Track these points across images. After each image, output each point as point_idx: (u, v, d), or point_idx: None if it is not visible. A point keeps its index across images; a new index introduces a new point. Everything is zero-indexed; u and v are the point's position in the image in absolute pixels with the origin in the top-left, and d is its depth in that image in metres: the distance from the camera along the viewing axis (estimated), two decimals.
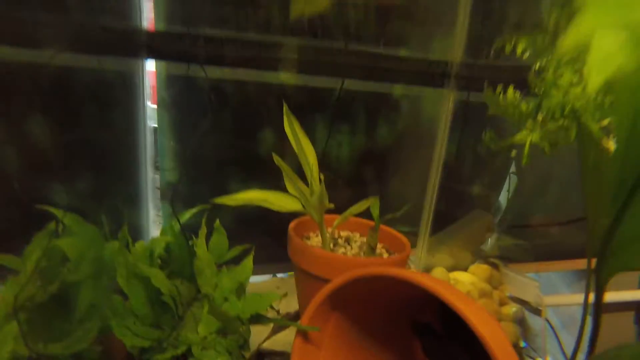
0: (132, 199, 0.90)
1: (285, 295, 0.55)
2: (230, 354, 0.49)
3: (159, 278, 0.51)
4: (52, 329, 0.51)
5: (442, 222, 1.20)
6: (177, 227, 0.61)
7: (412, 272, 0.44)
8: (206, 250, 0.62)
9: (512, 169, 1.30)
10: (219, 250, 0.68)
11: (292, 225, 0.70)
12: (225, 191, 1.01)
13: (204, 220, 0.66)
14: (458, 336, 0.54)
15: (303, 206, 0.62)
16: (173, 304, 0.53)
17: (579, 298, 1.23)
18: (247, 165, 1.00)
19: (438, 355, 0.59)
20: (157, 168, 0.97)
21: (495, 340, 0.39)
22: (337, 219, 0.68)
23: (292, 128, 0.63)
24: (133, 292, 0.52)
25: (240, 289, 0.55)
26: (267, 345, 0.67)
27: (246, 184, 1.01)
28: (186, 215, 0.65)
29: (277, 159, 0.64)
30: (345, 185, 1.15)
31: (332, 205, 0.58)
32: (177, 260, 0.58)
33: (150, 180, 0.95)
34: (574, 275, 1.40)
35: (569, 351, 0.78)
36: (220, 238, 0.69)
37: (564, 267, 1.34)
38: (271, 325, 0.72)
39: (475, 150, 1.24)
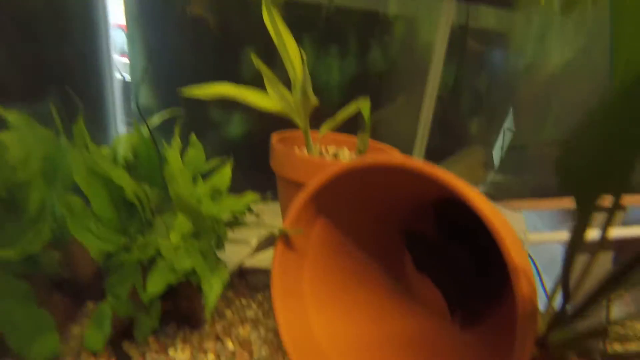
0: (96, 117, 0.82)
1: (267, 196, 0.50)
2: (205, 257, 0.45)
3: (121, 176, 0.45)
4: (1, 233, 0.45)
5: (436, 157, 1.16)
6: (145, 131, 0.55)
7: (410, 159, 0.39)
8: (179, 157, 0.56)
9: (507, 124, 1.24)
10: (196, 163, 0.62)
11: (275, 137, 0.64)
12: (206, 117, 0.94)
13: (177, 128, 0.59)
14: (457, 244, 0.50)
15: (288, 115, 0.55)
16: (140, 207, 0.47)
17: (563, 235, 1.22)
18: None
19: (430, 266, 0.56)
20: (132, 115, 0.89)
21: (506, 231, 0.35)
22: (325, 131, 0.61)
23: (272, 20, 0.55)
24: (93, 193, 0.46)
25: (215, 194, 0.50)
26: (249, 263, 0.63)
27: (227, 110, 0.94)
28: (156, 119, 0.58)
29: (255, 59, 0.57)
30: (334, 114, 1.09)
31: (317, 102, 0.51)
32: (145, 164, 0.52)
33: (119, 103, 0.86)
34: (557, 216, 1.38)
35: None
36: (196, 152, 0.63)
37: (552, 205, 1.33)
38: (253, 244, 0.68)
39: (474, 84, 1.17)
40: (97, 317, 0.47)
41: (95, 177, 0.46)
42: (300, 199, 0.46)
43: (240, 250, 0.67)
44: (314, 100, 0.50)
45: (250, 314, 0.59)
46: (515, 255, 0.33)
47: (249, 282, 0.65)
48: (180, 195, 0.43)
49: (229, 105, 0.95)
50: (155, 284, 0.39)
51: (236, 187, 0.88)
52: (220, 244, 0.46)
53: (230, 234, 0.71)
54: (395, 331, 0.55)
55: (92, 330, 0.47)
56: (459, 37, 1.06)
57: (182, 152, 0.61)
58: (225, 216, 0.46)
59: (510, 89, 1.21)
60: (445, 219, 0.52)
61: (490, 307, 0.53)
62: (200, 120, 0.94)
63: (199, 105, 0.92)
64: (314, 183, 0.45)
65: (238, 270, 0.63)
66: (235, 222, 0.48)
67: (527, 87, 1.19)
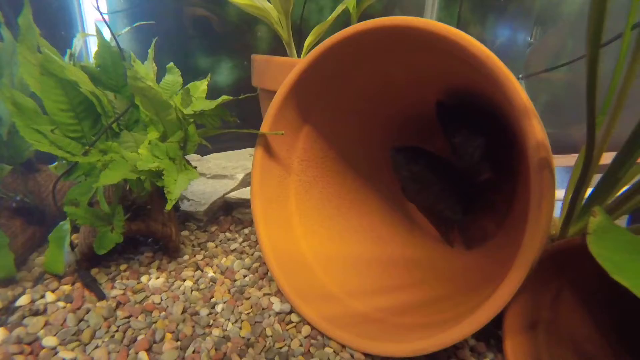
0: None
1: (242, 97, 0.44)
2: (173, 160, 0.39)
3: (75, 72, 0.40)
4: None
5: None
6: (113, 44, 0.49)
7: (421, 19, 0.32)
8: (149, 72, 0.51)
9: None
10: (172, 88, 0.56)
11: (255, 56, 0.58)
12: (194, 65, 0.89)
13: (151, 50, 0.54)
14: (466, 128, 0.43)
15: (267, 19, 0.50)
16: (101, 110, 0.42)
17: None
18: (213, 36, 0.86)
19: (418, 192, 0.49)
20: None
21: (518, 86, 0.29)
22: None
23: None
24: (47, 94, 0.40)
25: (187, 100, 0.44)
26: (234, 195, 0.58)
27: (215, 58, 0.88)
28: (123, 30, 0.53)
29: None
30: None
31: None
32: (110, 72, 0.47)
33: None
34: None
35: None
36: (173, 77, 0.58)
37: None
38: (239, 179, 0.63)
39: (481, 29, 1.09)
40: (56, 236, 0.43)
41: (50, 78, 0.41)
42: (280, 92, 0.41)
43: (226, 183, 0.62)
44: None
45: (235, 246, 0.53)
46: (525, 99, 0.27)
47: (235, 218, 0.59)
48: (136, 78, 0.37)
49: (216, 52, 0.89)
50: (109, 176, 0.34)
51: (225, 139, 0.82)
52: (188, 147, 0.41)
53: (218, 170, 0.66)
54: (394, 256, 0.50)
55: (51, 250, 0.43)
56: None
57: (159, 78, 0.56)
58: (192, 111, 0.40)
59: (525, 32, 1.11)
60: (451, 118, 0.46)
61: (496, 226, 0.47)
62: (187, 68, 0.89)
63: (186, 53, 0.87)
64: (295, 71, 0.40)
65: (222, 202, 0.58)
66: (206, 119, 0.42)
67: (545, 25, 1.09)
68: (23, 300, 0.39)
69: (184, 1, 0.83)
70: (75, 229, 0.51)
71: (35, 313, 0.37)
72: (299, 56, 0.57)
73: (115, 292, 0.42)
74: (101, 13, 0.44)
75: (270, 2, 0.52)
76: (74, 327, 0.36)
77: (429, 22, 0.31)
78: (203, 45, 0.87)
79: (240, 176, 0.62)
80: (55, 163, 0.44)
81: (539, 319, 0.36)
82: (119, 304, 0.40)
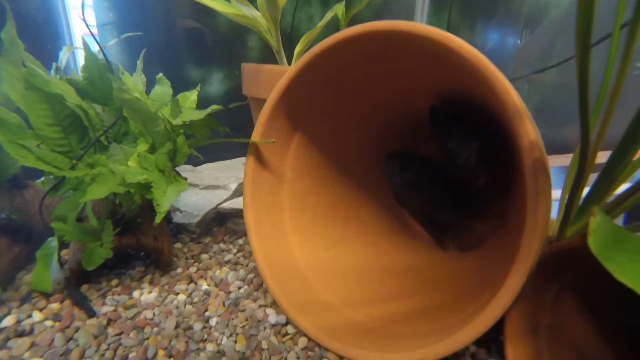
0: None
1: (231, 105, 0.43)
2: (162, 172, 0.39)
3: (61, 85, 0.39)
4: None
5: None
6: (100, 56, 0.49)
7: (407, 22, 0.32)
8: (138, 84, 0.50)
9: None
10: (162, 99, 0.56)
11: (245, 64, 0.58)
12: (185, 76, 0.89)
13: (140, 61, 0.54)
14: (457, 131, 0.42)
15: (255, 28, 0.49)
16: (88, 123, 0.42)
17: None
18: (204, 47, 0.86)
19: (411, 198, 0.48)
20: None
21: (510, 86, 0.28)
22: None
23: None
24: (31, 108, 0.40)
25: (176, 111, 0.44)
26: (228, 205, 0.57)
27: (206, 69, 0.88)
28: (110, 42, 0.53)
29: None
30: None
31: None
32: (98, 86, 0.46)
33: None
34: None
35: None
36: (163, 89, 0.57)
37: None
38: (232, 189, 0.62)
39: (471, 35, 1.10)
40: (43, 253, 0.42)
41: (35, 93, 0.40)
42: (270, 100, 0.40)
43: (219, 194, 0.61)
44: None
45: (229, 257, 0.52)
46: (516, 99, 0.27)
47: (229, 228, 0.58)
48: (122, 90, 0.36)
49: (207, 63, 0.89)
50: (96, 190, 0.33)
51: (217, 149, 0.81)
52: (177, 158, 0.40)
53: (210, 180, 0.65)
54: (390, 263, 0.49)
55: (39, 268, 0.41)
56: None
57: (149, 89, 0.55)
58: (182, 121, 0.40)
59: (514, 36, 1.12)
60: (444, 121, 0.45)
61: (492, 230, 0.47)
62: (178, 79, 0.89)
63: (177, 64, 0.87)
64: (284, 78, 0.39)
65: (215, 212, 0.57)
66: (195, 129, 0.41)
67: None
68: (8, 321, 0.37)
69: (173, 13, 0.83)
70: (65, 245, 0.50)
71: (21, 334, 0.36)
72: (289, 64, 0.56)
73: (106, 309, 0.41)
74: (88, 26, 0.44)
75: (259, 11, 0.51)
76: (62, 347, 0.35)
77: (418, 25, 0.31)
78: (194, 56, 0.87)
79: (233, 186, 0.61)
80: (42, 178, 0.43)
81: (540, 323, 0.35)
82: (109, 321, 0.39)
